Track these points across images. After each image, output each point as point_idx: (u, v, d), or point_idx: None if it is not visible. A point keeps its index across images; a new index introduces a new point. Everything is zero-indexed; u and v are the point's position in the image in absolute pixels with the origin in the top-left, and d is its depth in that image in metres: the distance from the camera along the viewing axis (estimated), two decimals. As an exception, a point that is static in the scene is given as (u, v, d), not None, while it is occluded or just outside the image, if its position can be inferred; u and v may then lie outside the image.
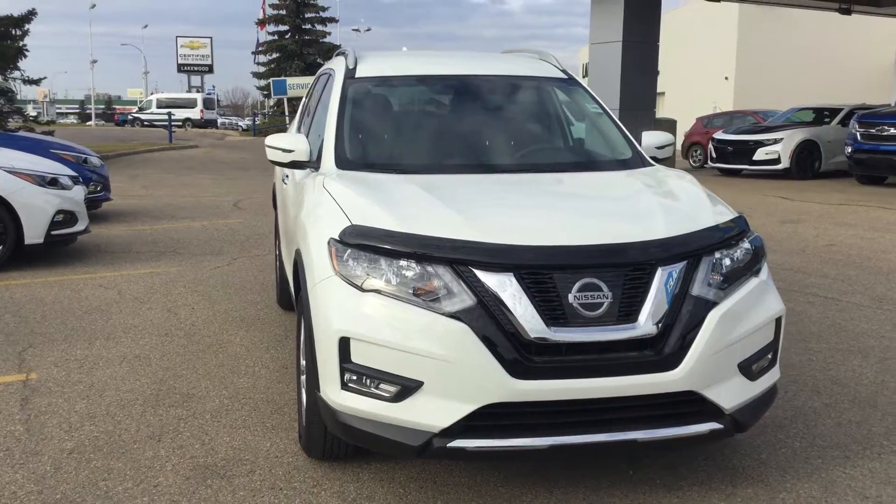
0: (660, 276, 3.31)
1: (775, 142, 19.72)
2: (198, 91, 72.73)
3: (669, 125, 22.42)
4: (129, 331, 6.16)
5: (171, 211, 13.12)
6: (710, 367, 3.32)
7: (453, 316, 3.17)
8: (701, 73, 40.63)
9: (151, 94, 75.19)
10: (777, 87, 36.88)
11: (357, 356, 3.29)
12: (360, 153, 4.49)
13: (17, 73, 25.85)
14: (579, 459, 3.84)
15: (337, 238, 3.46)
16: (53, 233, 8.39)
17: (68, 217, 8.56)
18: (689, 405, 3.37)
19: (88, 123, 77.19)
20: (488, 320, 3.17)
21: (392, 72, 5.15)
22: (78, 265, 8.64)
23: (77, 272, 8.30)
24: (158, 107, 58.63)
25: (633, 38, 20.59)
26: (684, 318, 3.30)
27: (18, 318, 6.46)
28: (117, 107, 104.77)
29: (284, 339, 5.91)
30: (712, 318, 3.33)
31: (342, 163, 4.33)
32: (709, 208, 3.80)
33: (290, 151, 4.50)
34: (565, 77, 5.19)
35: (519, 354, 3.16)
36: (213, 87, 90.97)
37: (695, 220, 3.62)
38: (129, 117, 65.06)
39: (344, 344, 3.29)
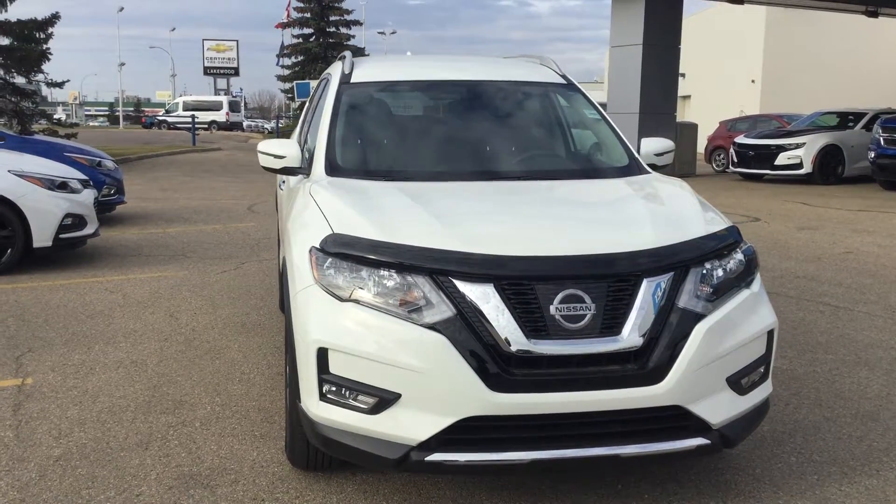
0: (645, 287, 3.23)
1: (797, 146, 19.47)
2: (224, 94, 73.15)
3: (690, 129, 22.31)
4: (129, 335, 6.15)
5: (185, 214, 13.16)
6: (696, 382, 3.24)
7: (431, 327, 3.12)
8: (727, 76, 40.33)
9: (179, 96, 75.74)
10: (804, 91, 36.48)
11: (335, 367, 3.24)
12: (351, 159, 4.45)
13: (41, 76, 26.18)
14: (561, 474, 3.76)
15: (318, 246, 3.41)
16: (62, 236, 8.42)
17: (77, 221, 8.59)
18: (675, 420, 3.30)
19: (115, 126, 77.83)
20: (467, 332, 3.11)
21: (388, 77, 5.10)
22: (86, 268, 8.67)
23: (85, 276, 8.32)
24: (185, 109, 58.97)
25: (653, 42, 20.48)
26: (670, 330, 3.22)
27: (21, 322, 6.48)
28: (146, 109, 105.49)
29: (283, 346, 5.86)
30: (699, 330, 3.24)
31: (332, 169, 4.29)
32: (700, 218, 3.71)
33: (281, 157, 4.47)
34: (564, 83, 5.12)
35: (498, 367, 3.10)
36: (241, 89, 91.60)
37: (685, 229, 3.54)
38: (156, 120, 65.59)
39: (322, 354, 3.25)
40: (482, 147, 4.68)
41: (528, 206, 3.93)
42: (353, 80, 4.87)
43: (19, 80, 26.19)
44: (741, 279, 3.54)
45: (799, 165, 19.38)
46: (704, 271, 3.39)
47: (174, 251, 9.81)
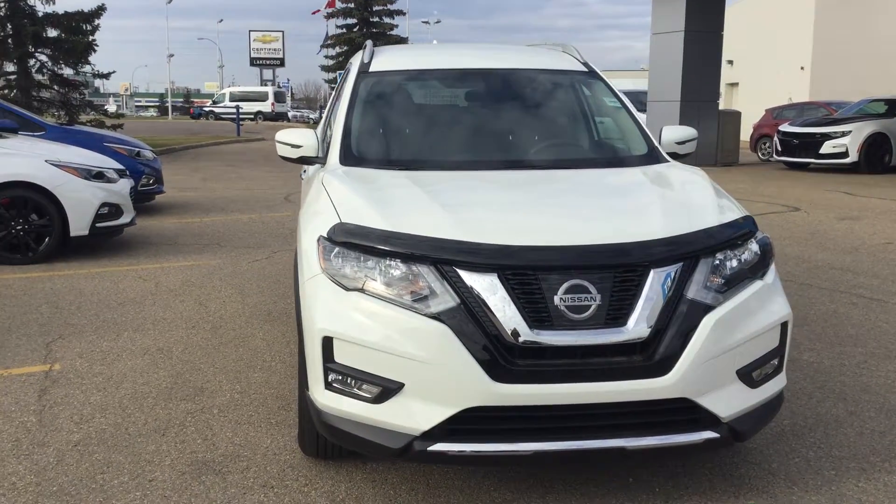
0: (653, 278, 3.18)
1: (843, 134, 19.05)
2: (270, 84, 73.78)
3: (732, 117, 21.98)
4: (158, 323, 6.24)
5: (222, 203, 13.31)
6: (704, 374, 3.19)
7: (435, 317, 3.11)
8: (776, 63, 39.57)
9: (226, 87, 76.58)
10: (855, 78, 35.63)
11: (340, 356, 3.25)
12: (366, 149, 4.45)
13: (87, 68, 26.64)
14: (565, 466, 3.74)
15: (325, 236, 3.42)
16: (98, 225, 8.57)
17: (113, 210, 8.73)
18: (683, 413, 3.25)
19: (164, 117, 78.97)
20: (470, 322, 3.09)
21: (406, 66, 5.09)
22: (122, 257, 8.81)
23: (120, 264, 8.46)
24: (231, 100, 59.63)
25: (695, 28, 20.23)
26: (677, 322, 3.17)
27: (55, 309, 6.61)
28: (195, 100, 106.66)
29: (307, 334, 5.91)
30: (707, 322, 3.19)
31: (347, 158, 4.30)
32: (714, 207, 3.64)
33: (298, 147, 4.49)
34: (585, 70, 5.06)
35: (501, 357, 3.08)
36: (288, 80, 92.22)
37: (697, 219, 3.47)
38: (204, 110, 66.44)
39: (327, 343, 3.26)
40: (499, 136, 4.65)
41: (539, 196, 3.89)
42: (371, 70, 4.87)
43: (67, 71, 26.71)
44: (755, 270, 3.47)
45: (844, 154, 18.97)
46: (716, 262, 3.33)
47: (209, 240, 9.92)
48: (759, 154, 24.81)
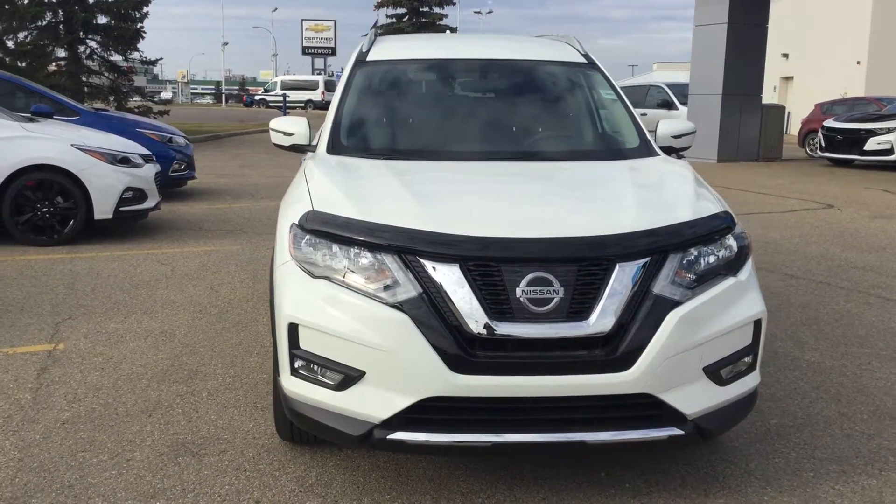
0: (618, 272, 3.15)
1: (888, 131, 18.58)
2: (321, 73, 74.30)
3: (777, 112, 21.63)
4: (167, 306, 6.35)
5: (254, 190, 13.44)
6: (668, 370, 3.16)
7: (396, 306, 3.12)
8: (832, 57, 38.71)
9: (278, 75, 77.26)
10: (914, 72, 34.77)
11: (305, 343, 3.28)
12: (354, 138, 4.47)
13: (136, 54, 27.11)
14: (526, 458, 3.72)
15: (297, 223, 3.45)
16: (122, 209, 8.73)
17: (138, 194, 8.89)
18: (646, 409, 3.22)
19: (219, 104, 79.95)
20: (430, 312, 3.09)
21: (402, 55, 5.09)
22: (146, 241, 8.97)
23: (142, 247, 8.61)
24: (283, 88, 60.11)
25: (739, 21, 19.90)
26: (641, 317, 3.14)
27: (70, 290, 6.75)
28: (250, 88, 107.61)
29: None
30: (672, 318, 3.15)
31: (335, 147, 4.32)
32: (690, 202, 3.58)
33: (290, 135, 4.53)
34: (584, 62, 5.01)
35: (460, 348, 3.08)
36: (342, 69, 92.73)
37: (670, 213, 3.43)
38: (255, 98, 67.21)
39: (293, 330, 3.29)
40: (488, 127, 4.64)
41: (515, 187, 3.87)
42: (368, 59, 4.89)
43: (116, 58, 27.19)
44: (730, 267, 3.41)
45: (889, 151, 18.51)
46: (688, 258, 3.29)
47: (233, 226, 10.04)
48: (808, 150, 24.30)
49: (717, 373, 3.30)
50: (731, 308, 3.34)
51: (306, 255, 3.34)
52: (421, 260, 3.15)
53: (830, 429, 4.19)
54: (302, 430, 3.75)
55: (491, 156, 4.32)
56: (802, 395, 4.62)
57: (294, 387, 3.35)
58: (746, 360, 3.43)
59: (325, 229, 3.33)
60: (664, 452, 3.79)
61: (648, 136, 4.55)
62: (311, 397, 3.29)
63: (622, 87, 18.68)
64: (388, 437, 3.16)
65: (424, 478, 3.63)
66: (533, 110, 4.82)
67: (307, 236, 3.37)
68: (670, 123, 4.63)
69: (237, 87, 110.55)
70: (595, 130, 4.80)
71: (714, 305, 3.27)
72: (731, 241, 3.47)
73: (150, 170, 9.16)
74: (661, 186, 3.86)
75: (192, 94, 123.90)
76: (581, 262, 3.15)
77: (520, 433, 3.17)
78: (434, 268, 3.13)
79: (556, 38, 5.49)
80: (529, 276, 3.10)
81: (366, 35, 5.27)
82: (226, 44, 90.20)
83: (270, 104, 58.96)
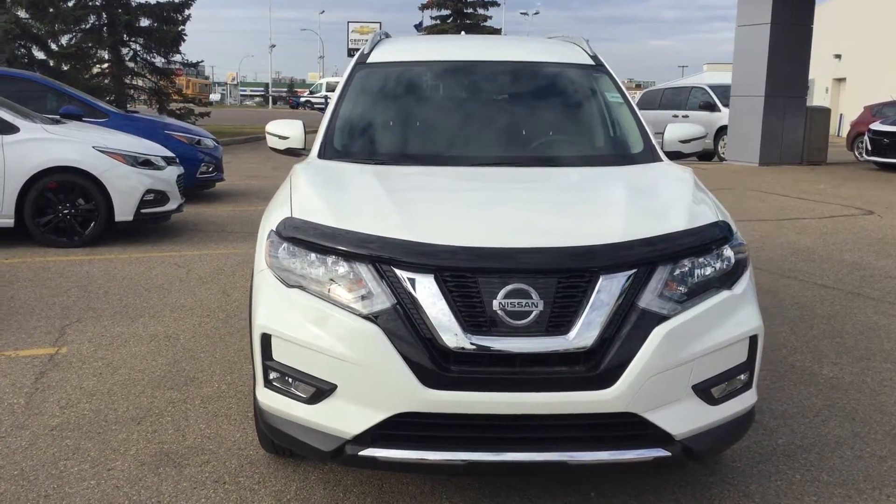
0: (601, 284, 3.00)
1: (937, 134, 18.02)
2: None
3: (821, 114, 21.12)
4: (176, 310, 6.31)
5: (283, 192, 13.41)
6: (653, 388, 2.99)
7: (368, 318, 3.00)
8: (886, 57, 37.70)
9: (325, 77, 77.80)
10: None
11: (278, 354, 3.18)
12: (347, 142, 4.37)
13: (178, 57, 27.37)
14: (504, 478, 3.58)
15: (275, 230, 3.36)
16: (143, 211, 8.74)
17: (159, 196, 8.89)
18: (631, 428, 3.05)
19: (265, 106, 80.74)
20: (404, 324, 2.97)
21: (404, 57, 4.97)
22: (166, 243, 8.97)
23: (162, 250, 8.61)
24: (328, 90, 60.44)
25: (782, 21, 19.46)
26: (625, 332, 2.98)
27: (82, 293, 6.75)
28: (298, 90, 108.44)
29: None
30: (658, 333, 2.99)
31: (327, 152, 4.23)
32: (685, 211, 3.40)
33: (285, 138, 4.44)
34: (592, 64, 4.85)
35: (433, 363, 2.95)
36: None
37: (661, 223, 3.25)
38: (301, 100, 67.78)
39: (266, 340, 3.20)
40: (486, 131, 4.50)
41: (505, 196, 3.73)
42: (369, 61, 4.79)
43: (158, 60, 27.48)
44: (725, 280, 3.23)
45: (937, 156, 17.95)
46: (677, 269, 3.12)
47: (255, 228, 9.82)
48: (856, 153, 23.65)
49: (707, 391, 3.13)
50: (723, 323, 3.16)
51: (282, 262, 3.24)
52: (396, 270, 3.02)
53: (840, 449, 3.99)
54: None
55: (487, 161, 4.18)
56: (815, 413, 4.41)
57: (267, 399, 3.25)
58: (741, 378, 3.25)
59: (301, 237, 3.22)
60: (652, 474, 3.62)
61: (654, 140, 4.38)
62: (284, 410, 3.19)
63: (665, 90, 18.29)
64: (359, 453, 3.05)
65: (406, 494, 3.51)
66: (534, 114, 4.67)
67: (284, 244, 3.27)
68: (678, 127, 4.46)
69: (286, 89, 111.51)
70: (597, 135, 4.63)
71: (705, 320, 3.10)
72: (727, 253, 3.29)
73: (173, 172, 9.17)
74: (657, 194, 3.69)
75: (242, 95, 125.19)
76: (562, 274, 3.00)
77: (496, 452, 3.03)
78: (409, 278, 3.00)
79: (566, 39, 5.33)
80: (507, 288, 2.96)
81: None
82: (273, 46, 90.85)
83: (315, 106, 59.37)
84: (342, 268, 3.10)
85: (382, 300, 3.01)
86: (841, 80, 42.15)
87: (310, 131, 4.52)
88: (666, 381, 3.02)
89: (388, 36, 5.16)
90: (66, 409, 4.38)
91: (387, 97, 4.73)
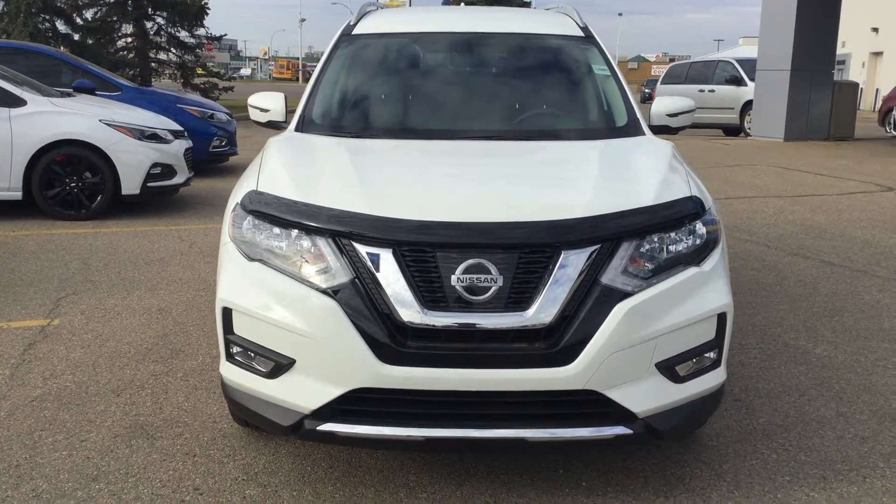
0: (563, 260, 2.94)
1: (966, 110, 17.60)
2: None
3: (849, 89, 20.72)
4: (172, 283, 6.33)
5: (297, 166, 13.42)
6: (615, 365, 2.94)
7: (326, 292, 2.97)
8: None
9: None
10: None
11: (239, 328, 3.18)
12: (324, 115, 4.32)
13: (201, 30, 27.43)
14: (465, 454, 3.55)
15: (239, 203, 3.33)
16: (150, 185, 8.78)
17: (166, 170, 8.92)
18: (593, 406, 3.01)
19: (295, 81, 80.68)
20: (361, 299, 2.94)
21: (389, 29, 4.89)
22: (173, 216, 9.01)
23: (168, 223, 8.64)
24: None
25: (809, -9, 19.01)
26: (586, 309, 2.93)
27: (83, 265, 6.79)
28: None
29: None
30: (619, 310, 2.93)
31: (305, 125, 4.20)
32: (657, 186, 3.31)
33: (266, 111, 4.41)
34: (582, 35, 4.75)
35: (390, 338, 2.91)
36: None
37: (629, 198, 3.18)
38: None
39: (227, 314, 3.19)
40: (466, 104, 4.43)
41: (472, 169, 3.67)
42: (354, 32, 4.73)
43: (182, 34, 27.57)
44: (694, 256, 3.16)
45: (967, 131, 17.54)
46: (645, 245, 3.05)
47: (264, 202, 9.99)
48: (887, 128, 23.15)
49: (672, 369, 3.07)
50: (690, 300, 3.09)
51: (245, 236, 3.22)
52: (355, 244, 2.99)
53: (822, 430, 3.91)
54: (252, 417, 3.65)
55: (465, 135, 4.11)
56: (801, 392, 4.33)
57: (229, 373, 3.25)
58: (709, 356, 3.19)
59: (264, 210, 3.20)
60: (617, 452, 3.58)
61: (639, 114, 4.28)
62: (245, 385, 3.19)
63: (691, 63, 17.97)
64: (318, 428, 3.03)
65: (374, 469, 3.49)
66: (517, 87, 4.58)
67: (248, 217, 3.25)
68: (667, 101, 4.37)
69: (316, 63, 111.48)
70: (580, 108, 4.53)
71: (670, 297, 3.04)
72: (698, 228, 3.22)
73: (180, 145, 9.18)
74: (629, 168, 3.62)
75: (271, 69, 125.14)
76: (522, 249, 2.95)
77: (455, 428, 3.00)
78: (367, 253, 2.97)
79: (558, 10, 5.23)
80: (465, 264, 2.92)
81: None
82: (303, 20, 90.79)
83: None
84: (305, 242, 3.07)
85: (341, 275, 2.98)
86: (878, 55, 41.36)
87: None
88: (628, 358, 2.97)
89: (376, 6, 5.09)
90: (49, 380, 4.41)
91: (367, 70, 4.67)
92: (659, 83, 25.40)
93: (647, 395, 3.03)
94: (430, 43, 4.80)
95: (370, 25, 4.82)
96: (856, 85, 21.50)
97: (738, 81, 21.95)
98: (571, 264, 2.94)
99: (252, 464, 3.54)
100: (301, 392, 3.04)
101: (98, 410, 4.05)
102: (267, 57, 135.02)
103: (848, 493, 3.34)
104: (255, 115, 4.46)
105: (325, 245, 3.02)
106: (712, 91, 22.39)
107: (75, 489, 3.31)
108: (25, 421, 3.92)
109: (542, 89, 4.58)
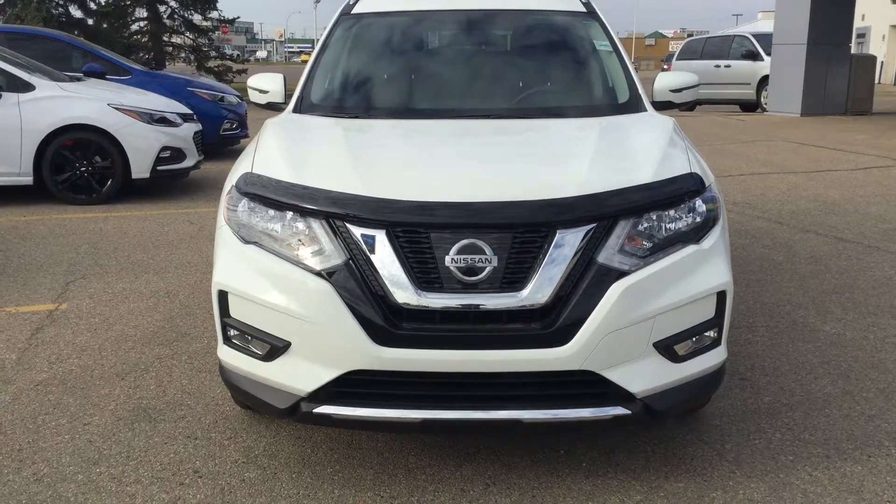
0: (558, 239, 2.91)
1: None
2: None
3: (866, 62, 20.45)
4: (180, 266, 6.34)
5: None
6: (611, 345, 2.91)
7: (320, 274, 2.95)
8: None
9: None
10: None
11: (235, 311, 3.17)
12: (323, 96, 4.29)
13: (214, 13, 27.44)
14: (461, 436, 3.53)
15: (234, 185, 3.32)
16: (160, 168, 8.79)
17: (175, 153, 8.93)
18: (590, 386, 2.99)
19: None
20: (355, 281, 2.92)
21: (389, 7, 4.84)
22: (183, 200, 9.03)
23: (178, 207, 8.66)
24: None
25: (826, -35, 18.74)
26: (582, 288, 2.89)
27: (93, 249, 6.82)
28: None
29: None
30: (616, 289, 2.89)
31: (303, 105, 4.17)
32: (656, 163, 3.26)
33: (265, 92, 4.39)
34: (584, 10, 4.69)
35: (385, 320, 2.90)
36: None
37: (626, 176, 3.14)
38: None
39: (223, 297, 3.19)
40: (466, 83, 4.39)
41: (469, 148, 3.63)
42: (353, 11, 4.70)
43: (195, 17, 27.59)
44: (693, 234, 3.12)
45: None
46: (642, 223, 3.01)
47: (275, 185, 9.99)
48: (905, 103, 22.94)
49: (670, 348, 3.04)
50: (688, 279, 3.05)
51: (240, 218, 3.21)
52: (349, 226, 2.97)
53: (828, 408, 3.87)
54: (253, 399, 3.66)
55: (464, 114, 4.07)
56: (808, 371, 4.28)
57: (227, 356, 3.24)
58: (709, 335, 3.15)
59: (258, 192, 3.18)
60: (616, 432, 3.55)
61: (641, 90, 4.23)
62: (242, 367, 3.19)
63: (707, 38, 17.78)
64: (314, 410, 3.03)
65: (373, 451, 3.49)
66: (518, 65, 4.53)
67: (243, 199, 3.23)
68: (670, 76, 4.31)
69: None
70: (582, 85, 4.47)
71: (667, 276, 3.00)
72: (698, 206, 3.17)
73: (189, 129, 9.18)
74: (628, 145, 3.57)
75: (288, 52, 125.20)
76: (516, 229, 2.92)
77: (451, 410, 2.99)
78: (361, 234, 2.95)
79: None
80: (460, 244, 2.89)
81: None
82: (318, 1, 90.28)
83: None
84: (299, 224, 3.05)
85: (335, 257, 2.96)
86: (897, 28, 40.82)
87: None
88: (625, 338, 2.94)
89: None
90: (54, 364, 4.43)
91: (366, 49, 4.63)
92: (675, 59, 25.15)
93: (645, 375, 3.00)
94: (429, 21, 4.75)
95: (369, 4, 4.78)
96: (874, 58, 21.21)
97: (754, 56, 21.70)
98: (567, 243, 2.91)
99: (253, 446, 3.54)
100: (297, 374, 3.03)
101: (102, 394, 4.06)
102: (283, 39, 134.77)
103: (852, 472, 3.31)
104: (254, 96, 4.44)
105: (319, 227, 3.01)
106: (728, 66, 22.16)
107: (76, 472, 3.33)
108: (30, 405, 3.94)
109: (543, 66, 4.53)
